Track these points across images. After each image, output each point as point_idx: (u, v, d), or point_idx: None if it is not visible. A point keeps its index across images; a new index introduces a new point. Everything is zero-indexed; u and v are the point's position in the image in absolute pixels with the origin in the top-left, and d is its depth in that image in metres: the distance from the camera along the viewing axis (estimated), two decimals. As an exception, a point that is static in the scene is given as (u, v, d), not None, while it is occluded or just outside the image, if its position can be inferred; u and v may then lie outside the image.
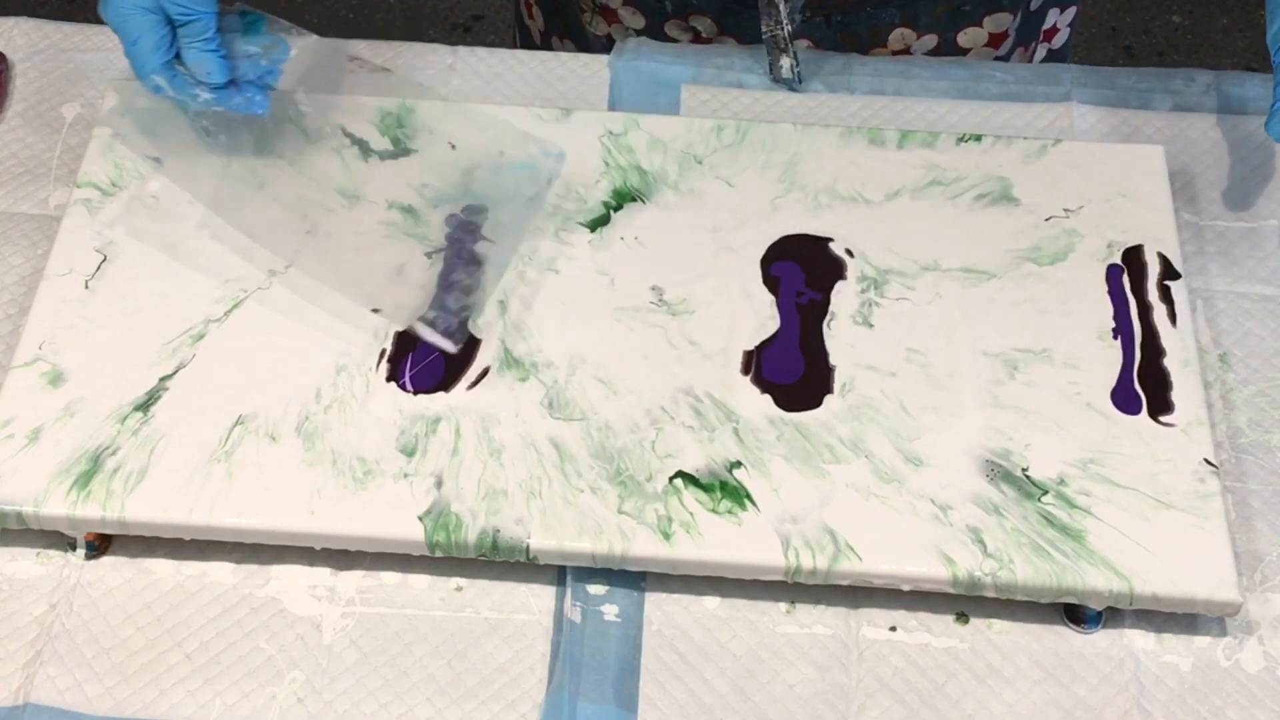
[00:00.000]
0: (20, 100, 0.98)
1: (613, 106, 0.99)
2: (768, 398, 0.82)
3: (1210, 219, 0.94)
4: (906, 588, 0.77)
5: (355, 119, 0.93)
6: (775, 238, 0.89)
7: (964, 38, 1.06)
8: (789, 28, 0.97)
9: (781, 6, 0.97)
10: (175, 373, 0.82)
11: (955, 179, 0.92)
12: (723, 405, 0.82)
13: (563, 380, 0.83)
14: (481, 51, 1.02)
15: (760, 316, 0.86)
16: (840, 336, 0.85)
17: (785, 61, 0.98)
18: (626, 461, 0.80)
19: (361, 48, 1.00)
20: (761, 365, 0.84)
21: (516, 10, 1.20)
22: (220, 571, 0.79)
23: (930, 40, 1.06)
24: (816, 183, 0.92)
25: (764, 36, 0.98)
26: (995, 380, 0.83)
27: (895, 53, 1.06)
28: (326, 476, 0.78)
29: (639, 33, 1.07)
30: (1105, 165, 0.92)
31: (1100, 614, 0.78)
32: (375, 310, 0.85)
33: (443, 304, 0.84)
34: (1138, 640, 0.78)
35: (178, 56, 0.84)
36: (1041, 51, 1.12)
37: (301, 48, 0.88)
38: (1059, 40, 1.14)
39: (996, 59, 1.09)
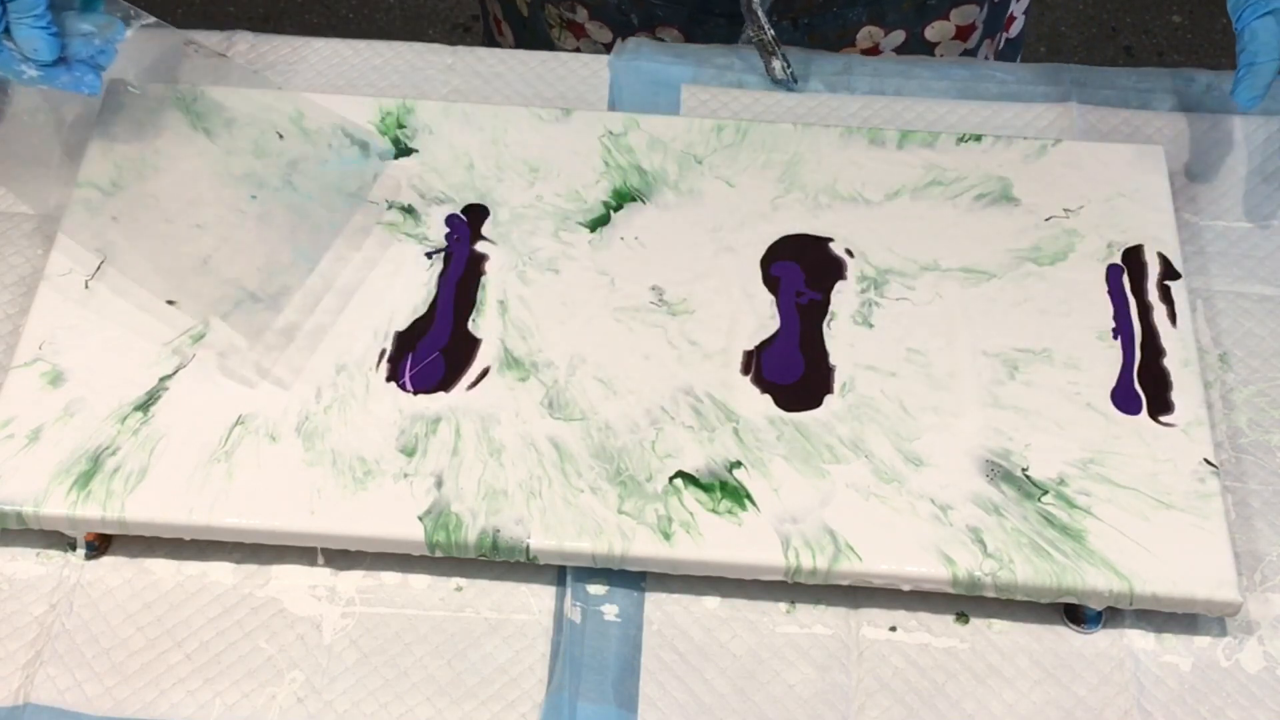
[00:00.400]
0: (20, 100, 0.98)
1: (613, 106, 0.99)
2: (768, 398, 0.82)
3: (1210, 219, 0.94)
4: (906, 588, 0.77)
5: (355, 119, 0.93)
6: (775, 238, 0.89)
7: (931, 32, 1.06)
8: (772, 32, 0.97)
9: (760, 13, 0.97)
10: (175, 373, 0.82)
11: (955, 179, 0.92)
12: (723, 405, 0.82)
13: (563, 380, 0.83)
14: (481, 51, 1.02)
15: (760, 316, 0.86)
16: (840, 336, 0.85)
17: (776, 64, 0.98)
18: (626, 461, 0.80)
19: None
20: (761, 365, 0.84)
21: (486, 27, 1.20)
22: (220, 571, 0.79)
23: (898, 37, 1.06)
24: (816, 183, 0.92)
25: (752, 41, 0.99)
26: (995, 380, 0.83)
27: (864, 51, 1.06)
28: (326, 476, 0.79)
29: (607, 47, 1.07)
30: (1105, 165, 0.92)
31: (1100, 614, 0.78)
32: (170, 302, 0.83)
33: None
34: (1138, 640, 0.78)
35: (7, 32, 0.82)
36: (1000, 42, 1.13)
37: (147, 36, 0.86)
38: (1015, 29, 1.14)
39: (965, 52, 1.09)
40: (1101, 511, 0.78)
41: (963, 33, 1.07)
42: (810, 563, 0.76)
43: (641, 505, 0.78)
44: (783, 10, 1.03)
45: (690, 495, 0.78)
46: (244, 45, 1.01)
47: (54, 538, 0.80)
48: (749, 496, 0.78)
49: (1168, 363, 0.84)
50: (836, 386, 0.83)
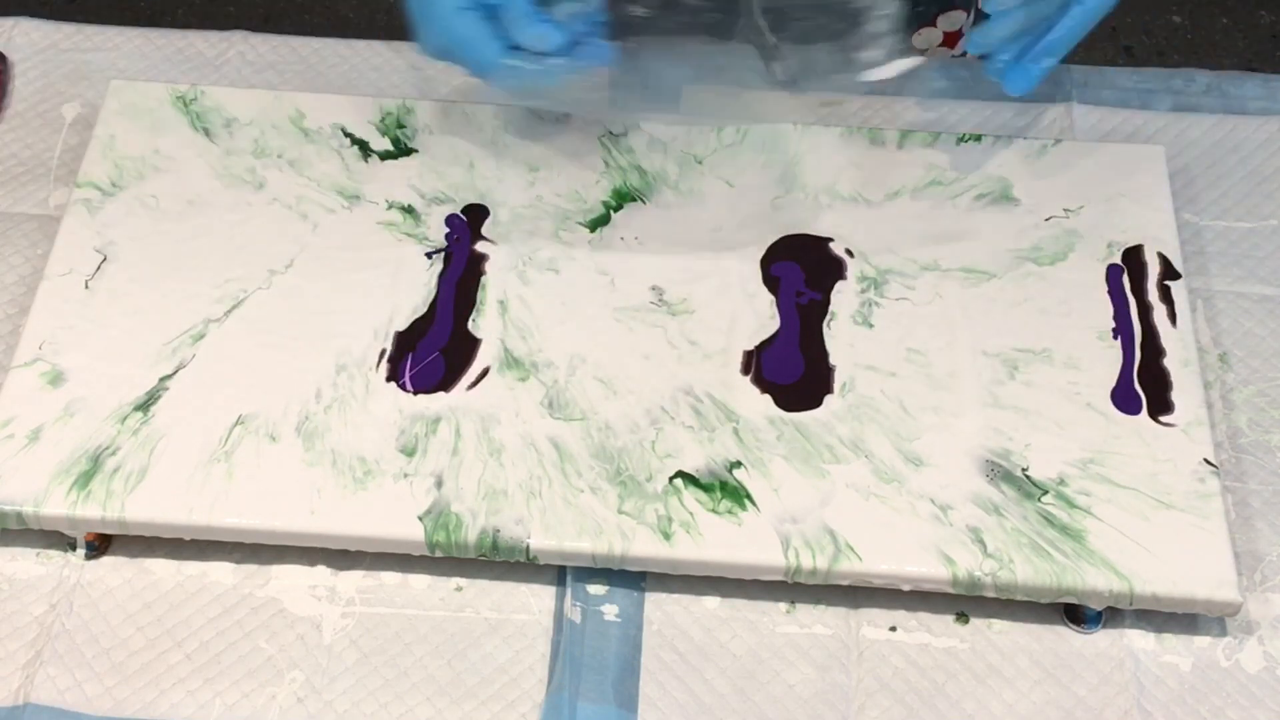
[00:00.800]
0: (20, 100, 0.98)
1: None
2: (768, 398, 0.82)
3: (1210, 219, 0.94)
4: (906, 588, 0.77)
5: (355, 119, 0.93)
6: (775, 238, 0.89)
7: (919, 39, 1.06)
8: (773, 40, 0.98)
9: (761, 20, 0.97)
10: (175, 373, 0.82)
11: (955, 179, 0.92)
12: (723, 405, 0.82)
13: (563, 380, 0.83)
14: (481, 51, 1.02)
15: (760, 316, 0.86)
16: (840, 336, 0.85)
17: (777, 67, 0.99)
18: (626, 461, 0.80)
19: (360, 47, 1.01)
20: (761, 365, 0.84)
21: None
22: (220, 571, 0.79)
23: None
24: (816, 183, 0.92)
25: (751, 43, 0.99)
26: (995, 380, 0.83)
27: None
28: (326, 476, 0.78)
29: None
30: (1105, 165, 0.92)
31: (1100, 614, 0.78)
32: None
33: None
34: (1138, 640, 0.78)
35: (513, 48, 0.81)
36: None
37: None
38: None
39: (954, 58, 1.09)
40: (1101, 511, 0.78)
41: (950, 39, 1.07)
42: (810, 563, 0.76)
43: (641, 505, 0.78)
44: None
45: (690, 495, 0.78)
46: (244, 45, 1.01)
47: (54, 538, 0.80)
48: (749, 496, 0.78)
49: (1168, 363, 0.84)
50: (836, 386, 0.83)
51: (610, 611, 0.78)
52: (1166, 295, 0.87)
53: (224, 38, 1.02)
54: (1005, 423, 0.81)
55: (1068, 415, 0.82)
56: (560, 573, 0.79)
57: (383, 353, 0.84)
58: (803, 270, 0.88)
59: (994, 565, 0.76)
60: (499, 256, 0.88)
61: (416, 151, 0.92)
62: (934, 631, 0.78)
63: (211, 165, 0.91)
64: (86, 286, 0.86)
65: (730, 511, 0.78)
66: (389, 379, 0.83)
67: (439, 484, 0.78)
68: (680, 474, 0.79)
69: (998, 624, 0.79)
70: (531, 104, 0.85)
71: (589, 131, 0.94)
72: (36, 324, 0.84)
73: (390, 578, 0.79)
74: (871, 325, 0.85)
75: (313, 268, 0.87)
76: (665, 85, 0.93)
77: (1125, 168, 0.92)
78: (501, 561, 0.78)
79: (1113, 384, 0.83)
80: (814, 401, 0.82)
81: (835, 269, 0.88)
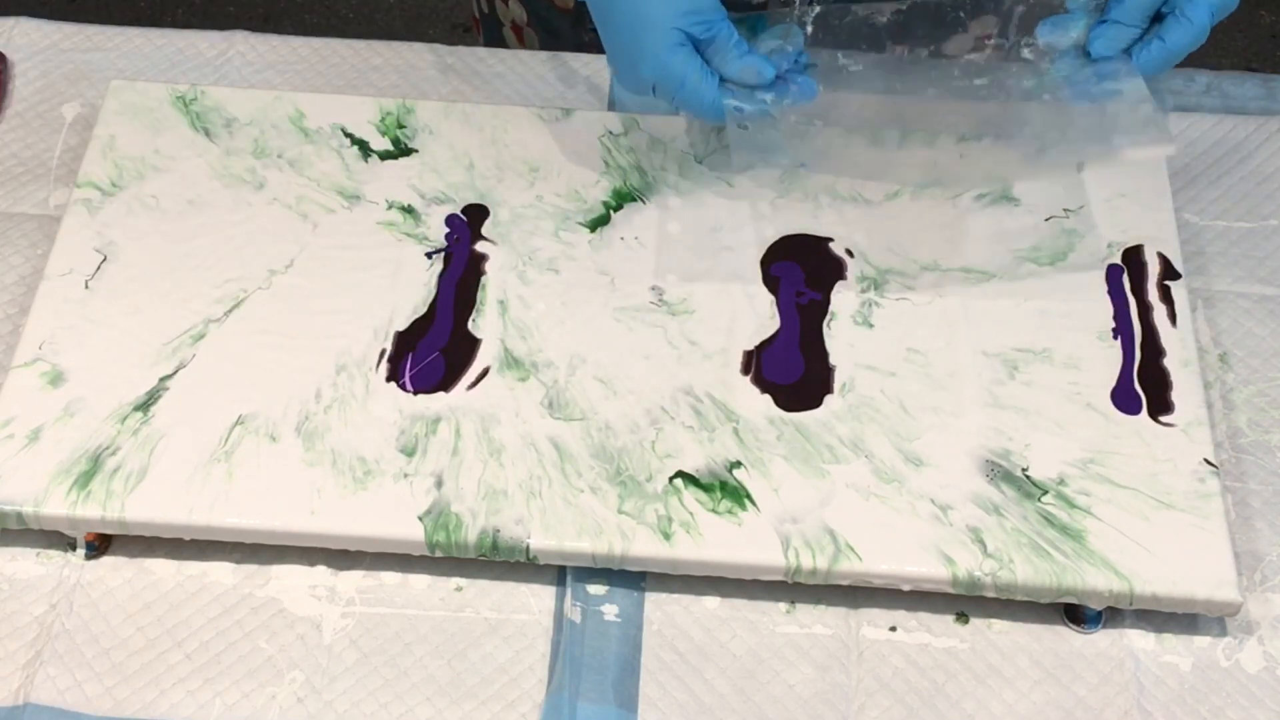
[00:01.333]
0: (20, 100, 0.98)
1: (612, 107, 0.99)
2: (768, 398, 0.82)
3: (1210, 219, 0.94)
4: (906, 588, 0.77)
5: (355, 119, 0.93)
6: (775, 238, 0.89)
7: (951, 46, 1.07)
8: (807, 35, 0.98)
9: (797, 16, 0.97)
10: (175, 373, 0.82)
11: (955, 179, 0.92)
12: (723, 405, 0.82)
13: (563, 380, 0.83)
14: (481, 51, 1.02)
15: (760, 316, 0.86)
16: (840, 336, 0.85)
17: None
18: (626, 461, 0.80)
19: (360, 47, 1.01)
20: (761, 365, 0.84)
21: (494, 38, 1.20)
22: (220, 571, 0.79)
23: (921, 55, 1.06)
24: (816, 183, 0.92)
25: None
26: (995, 380, 0.83)
27: None
28: (326, 476, 0.78)
29: None
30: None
31: (1100, 614, 0.78)
32: None
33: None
34: (1138, 640, 0.78)
35: (721, 81, 0.82)
36: None
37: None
38: None
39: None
40: (1101, 511, 0.78)
41: (980, 45, 1.07)
42: (810, 563, 0.76)
43: (641, 505, 0.78)
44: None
45: (690, 495, 0.78)
46: (244, 45, 1.01)
47: (54, 538, 0.80)
48: (749, 496, 0.78)
49: (1168, 363, 0.84)
50: (836, 386, 0.83)
51: (610, 611, 0.78)
52: (1166, 295, 0.87)
53: (224, 38, 1.02)
54: (1005, 423, 0.81)
55: (1068, 415, 0.82)
56: (560, 573, 0.79)
57: (383, 353, 0.84)
58: (803, 270, 0.88)
59: (994, 565, 0.76)
60: (499, 256, 0.88)
61: (416, 151, 0.92)
62: (934, 631, 0.78)
63: (211, 165, 0.91)
64: (86, 286, 0.86)
65: (730, 511, 0.78)
66: (389, 379, 0.83)
67: (439, 484, 0.78)
68: (680, 474, 0.79)
69: (998, 624, 0.79)
70: (751, 158, 0.86)
71: (589, 131, 0.94)
72: (36, 324, 0.84)
73: (390, 578, 0.79)
74: (871, 325, 0.85)
75: (313, 268, 0.87)
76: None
77: (1125, 168, 0.92)
78: (501, 561, 0.78)
79: (1113, 384, 0.83)
80: (814, 401, 0.82)
81: (835, 269, 0.88)
